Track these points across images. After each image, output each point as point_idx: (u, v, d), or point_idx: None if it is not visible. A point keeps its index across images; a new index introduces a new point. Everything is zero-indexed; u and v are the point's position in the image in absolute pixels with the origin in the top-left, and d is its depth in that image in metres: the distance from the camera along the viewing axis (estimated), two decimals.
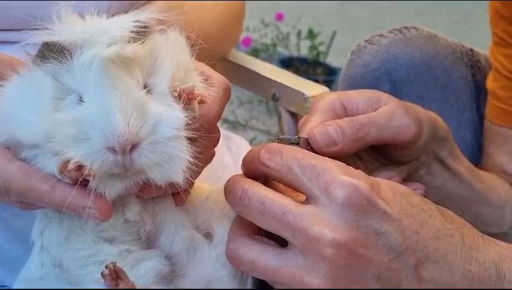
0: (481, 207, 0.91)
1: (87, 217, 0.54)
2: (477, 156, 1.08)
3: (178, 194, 0.58)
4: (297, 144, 0.67)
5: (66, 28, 0.55)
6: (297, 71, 3.07)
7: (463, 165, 0.87)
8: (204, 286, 0.61)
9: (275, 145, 0.60)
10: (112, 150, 0.51)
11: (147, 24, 0.56)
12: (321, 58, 3.16)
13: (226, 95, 0.61)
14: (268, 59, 3.10)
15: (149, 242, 0.61)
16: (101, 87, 0.52)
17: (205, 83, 0.60)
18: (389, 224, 0.55)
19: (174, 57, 0.58)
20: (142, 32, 0.56)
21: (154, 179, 0.54)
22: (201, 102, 0.58)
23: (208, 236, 0.64)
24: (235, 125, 2.77)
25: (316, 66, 3.10)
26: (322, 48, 3.13)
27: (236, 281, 0.62)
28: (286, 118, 1.12)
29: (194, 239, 0.62)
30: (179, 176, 0.54)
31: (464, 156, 0.88)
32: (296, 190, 0.59)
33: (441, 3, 3.89)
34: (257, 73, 1.13)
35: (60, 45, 0.54)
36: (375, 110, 0.72)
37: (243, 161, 0.64)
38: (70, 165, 0.51)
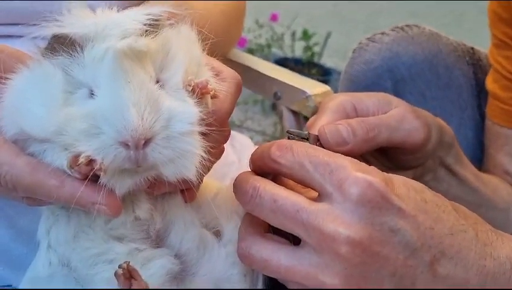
0: (486, 211, 0.90)
1: (96, 213, 0.53)
2: (479, 154, 1.08)
3: (187, 190, 0.57)
4: (307, 139, 0.66)
5: (77, 20, 0.53)
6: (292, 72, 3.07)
7: (468, 170, 0.87)
8: (214, 285, 0.60)
9: (285, 141, 0.59)
10: (125, 144, 0.50)
11: (158, 18, 0.55)
12: (315, 59, 3.16)
13: (238, 90, 0.61)
14: (263, 60, 3.09)
15: (158, 241, 0.59)
16: (114, 80, 0.51)
17: (216, 78, 0.59)
18: (404, 220, 0.54)
19: (186, 51, 0.57)
20: (153, 26, 0.55)
21: (166, 174, 0.53)
22: (213, 97, 0.57)
23: (217, 234, 0.62)
24: (230, 126, 2.75)
25: (311, 67, 3.10)
26: (316, 49, 3.13)
27: (247, 280, 0.61)
28: (287, 116, 1.11)
29: (203, 237, 0.61)
30: (191, 172, 0.53)
31: (468, 161, 0.88)
32: (308, 186, 0.58)
33: (434, 4, 3.91)
34: (258, 72, 1.12)
35: (70, 37, 0.53)
36: (385, 113, 0.72)
37: (251, 157, 0.62)
38: (81, 159, 0.50)
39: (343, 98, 0.73)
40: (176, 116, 0.52)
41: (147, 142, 0.50)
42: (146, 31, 0.54)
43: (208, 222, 0.62)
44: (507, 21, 0.97)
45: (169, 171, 0.53)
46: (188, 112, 0.53)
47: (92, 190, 0.52)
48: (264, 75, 1.11)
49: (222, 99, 0.58)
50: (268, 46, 3.11)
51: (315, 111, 1.07)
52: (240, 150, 0.93)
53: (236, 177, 0.60)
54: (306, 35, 3.10)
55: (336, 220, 0.53)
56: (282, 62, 3.15)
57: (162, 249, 0.59)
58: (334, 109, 0.72)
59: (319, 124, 0.70)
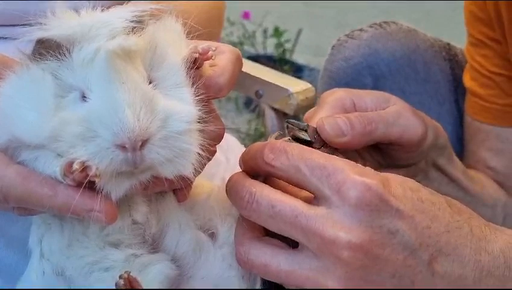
0: (475, 208, 0.91)
1: (92, 220, 0.51)
2: (457, 147, 1.09)
3: (180, 190, 0.56)
4: (306, 130, 0.66)
5: (61, 22, 0.52)
6: None
7: (459, 170, 0.89)
8: (214, 287, 0.59)
9: (279, 143, 0.58)
10: (122, 147, 0.49)
11: (142, 15, 0.54)
12: (287, 56, 3.16)
13: (239, 61, 0.58)
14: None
15: (155, 245, 0.58)
16: (107, 82, 0.49)
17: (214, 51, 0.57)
18: (402, 221, 0.54)
19: (174, 46, 0.55)
20: (139, 23, 0.53)
21: (163, 173, 0.52)
22: (212, 65, 0.55)
23: (212, 236, 0.62)
24: None
25: (283, 64, 3.11)
26: (288, 46, 3.14)
27: (245, 281, 0.60)
28: (270, 114, 1.11)
29: (199, 240, 0.60)
30: (189, 170, 0.52)
31: (458, 160, 0.89)
32: (305, 189, 0.57)
33: (402, 2, 3.97)
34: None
35: (55, 41, 0.51)
36: (384, 109, 0.73)
37: (242, 157, 0.62)
38: (75, 166, 0.48)
39: (343, 94, 0.74)
40: (173, 116, 0.51)
41: (144, 143, 0.49)
42: (133, 28, 0.52)
43: (202, 223, 0.62)
44: (483, 20, 0.99)
45: (167, 170, 0.52)
46: (185, 111, 0.52)
47: (86, 197, 0.50)
48: (246, 73, 1.11)
49: (222, 67, 0.56)
50: (241, 43, 3.11)
51: (297, 109, 1.09)
52: (226, 150, 0.92)
53: (229, 180, 0.59)
54: (277, 33, 3.10)
55: (336, 225, 0.53)
56: (254, 59, 3.14)
57: (159, 254, 0.58)
58: (333, 104, 0.72)
59: (318, 116, 0.70)
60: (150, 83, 0.53)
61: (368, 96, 0.74)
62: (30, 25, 0.51)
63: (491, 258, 0.57)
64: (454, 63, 1.11)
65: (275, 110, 1.11)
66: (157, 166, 0.51)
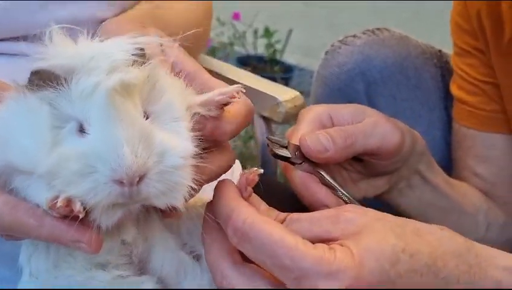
0: (458, 217, 0.94)
1: (77, 250, 0.52)
2: (446, 153, 1.11)
3: (167, 212, 0.55)
4: (286, 147, 0.67)
5: (59, 52, 0.51)
6: (254, 69, 3.07)
7: (440, 177, 0.90)
8: None
9: (241, 224, 0.53)
10: (120, 182, 0.49)
11: (144, 47, 0.54)
12: (278, 56, 3.18)
13: (249, 116, 0.58)
14: (226, 58, 3.09)
15: (141, 265, 0.58)
16: (106, 118, 0.49)
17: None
18: None
19: (175, 86, 0.56)
20: (140, 56, 0.53)
21: (156, 204, 0.53)
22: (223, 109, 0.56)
23: (198, 258, 0.61)
24: None
25: (273, 64, 3.12)
26: (278, 46, 3.15)
27: None
28: (259, 122, 1.12)
29: (182, 261, 0.60)
30: (180, 202, 0.53)
31: (439, 168, 0.91)
32: None
33: (392, 2, 3.99)
34: (228, 78, 1.11)
35: (53, 71, 0.50)
36: (360, 122, 0.75)
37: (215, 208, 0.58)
38: (59, 204, 0.48)
39: (320, 109, 0.76)
40: (169, 151, 0.51)
41: (141, 178, 0.50)
42: (134, 61, 0.52)
43: (188, 245, 0.61)
44: (468, 31, 1.01)
45: (160, 201, 0.52)
46: (180, 146, 0.52)
47: (73, 230, 0.50)
48: (234, 81, 1.10)
49: (234, 115, 0.57)
50: (231, 44, 3.11)
51: (286, 117, 1.10)
52: None
53: (203, 239, 0.57)
54: (268, 33, 3.11)
55: None
56: (244, 60, 3.16)
57: (145, 276, 0.58)
58: (311, 120, 0.74)
59: (298, 133, 0.72)
60: (147, 116, 0.53)
61: (344, 110, 0.77)
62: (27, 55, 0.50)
63: None
64: (445, 70, 1.13)
65: (264, 118, 1.12)
66: (151, 198, 0.52)
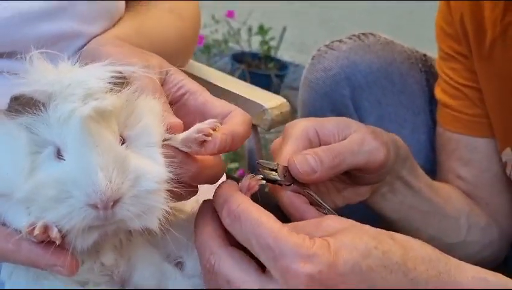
0: (440, 220, 0.95)
1: (53, 273, 0.54)
2: (431, 156, 1.13)
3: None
4: (275, 170, 0.69)
5: (39, 78, 0.53)
6: (249, 66, 3.09)
7: (422, 181, 0.91)
8: None
9: (235, 207, 0.58)
10: (94, 206, 0.51)
11: (122, 76, 0.55)
12: (272, 53, 3.19)
13: (247, 129, 0.61)
14: (220, 55, 3.10)
15: (123, 281, 0.60)
16: (82, 145, 0.51)
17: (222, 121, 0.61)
18: None
19: (154, 114, 0.57)
20: (118, 84, 0.55)
21: (131, 226, 0.55)
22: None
23: (179, 265, 0.63)
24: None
25: (268, 61, 3.13)
26: (272, 43, 3.16)
27: None
28: None
29: (163, 271, 0.62)
30: (155, 225, 0.55)
31: (423, 172, 0.92)
32: None
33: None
34: (214, 84, 1.11)
35: (31, 97, 0.52)
36: (346, 136, 0.76)
37: (214, 198, 0.61)
38: (36, 231, 0.50)
39: (305, 124, 0.76)
40: (144, 175, 0.53)
41: (116, 202, 0.52)
42: (110, 89, 0.54)
43: (170, 253, 0.63)
44: (451, 36, 1.02)
45: (135, 223, 0.54)
46: (154, 171, 0.54)
47: (49, 254, 0.52)
48: (221, 88, 1.11)
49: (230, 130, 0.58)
50: (225, 41, 3.12)
51: (272, 124, 1.09)
52: None
53: (196, 223, 0.60)
54: (262, 30, 3.12)
55: None
56: (239, 57, 3.17)
57: None
58: (297, 136, 0.74)
59: (286, 152, 0.73)
60: (123, 141, 0.55)
61: (329, 123, 0.77)
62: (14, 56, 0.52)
63: None
64: (430, 74, 1.15)
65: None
66: (126, 220, 0.54)
